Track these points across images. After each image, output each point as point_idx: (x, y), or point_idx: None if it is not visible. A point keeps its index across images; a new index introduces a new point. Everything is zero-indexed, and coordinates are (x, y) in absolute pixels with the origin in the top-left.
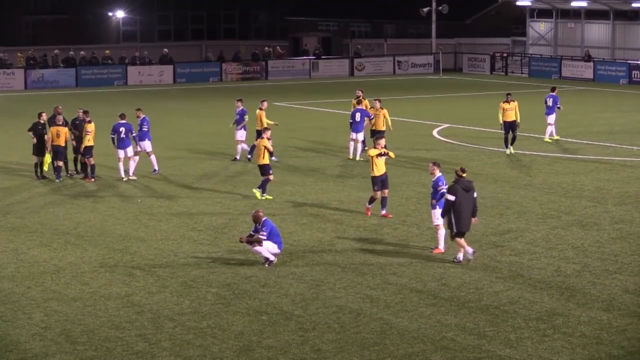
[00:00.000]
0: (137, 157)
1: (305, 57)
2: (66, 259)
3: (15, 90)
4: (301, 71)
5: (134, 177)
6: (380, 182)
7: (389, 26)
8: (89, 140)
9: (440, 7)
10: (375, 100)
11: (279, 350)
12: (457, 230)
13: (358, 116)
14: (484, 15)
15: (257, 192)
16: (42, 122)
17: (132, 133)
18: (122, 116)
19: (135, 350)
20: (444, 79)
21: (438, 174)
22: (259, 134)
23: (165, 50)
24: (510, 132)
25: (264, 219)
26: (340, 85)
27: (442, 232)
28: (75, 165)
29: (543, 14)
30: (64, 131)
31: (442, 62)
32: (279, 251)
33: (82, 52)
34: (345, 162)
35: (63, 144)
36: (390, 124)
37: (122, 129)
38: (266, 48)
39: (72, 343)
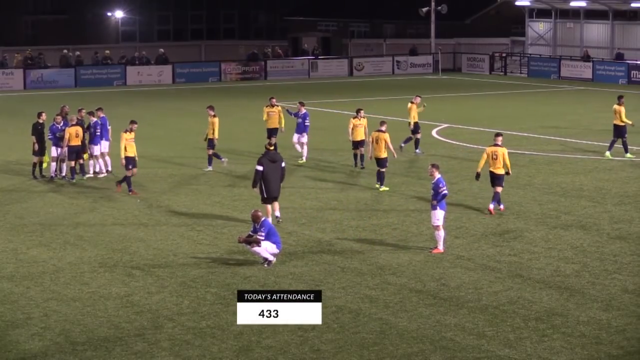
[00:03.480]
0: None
1: (304, 57)
2: (65, 259)
3: (14, 90)
4: (300, 71)
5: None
6: (492, 180)
7: (388, 26)
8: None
9: (439, 7)
10: (358, 109)
11: (278, 350)
12: (266, 195)
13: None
14: (483, 15)
15: (383, 187)
16: (41, 122)
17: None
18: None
19: (134, 350)
20: (443, 79)
21: (437, 175)
22: (378, 127)
23: (161, 50)
24: (617, 137)
25: (262, 219)
26: (339, 85)
27: (441, 232)
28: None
29: (542, 14)
30: (81, 131)
31: (441, 62)
32: (278, 251)
33: (77, 52)
34: (345, 162)
35: (80, 144)
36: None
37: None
38: (266, 48)
39: (72, 343)
